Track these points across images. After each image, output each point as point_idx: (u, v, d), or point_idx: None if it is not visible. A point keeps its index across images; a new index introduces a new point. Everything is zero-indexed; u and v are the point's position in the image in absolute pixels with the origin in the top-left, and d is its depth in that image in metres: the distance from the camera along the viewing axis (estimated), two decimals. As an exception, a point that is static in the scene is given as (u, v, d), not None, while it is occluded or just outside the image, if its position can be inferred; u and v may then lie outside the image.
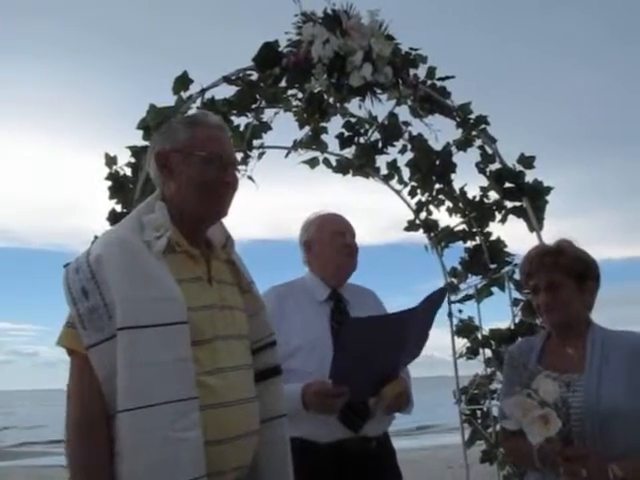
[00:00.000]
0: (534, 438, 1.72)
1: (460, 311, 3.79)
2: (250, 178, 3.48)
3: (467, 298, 3.73)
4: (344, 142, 3.65)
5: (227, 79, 2.88)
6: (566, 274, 2.00)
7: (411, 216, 3.93)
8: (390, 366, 2.17)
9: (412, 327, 2.10)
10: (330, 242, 2.46)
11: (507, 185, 3.20)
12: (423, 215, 3.88)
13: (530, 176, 3.17)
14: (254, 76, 2.95)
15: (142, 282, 1.44)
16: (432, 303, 2.22)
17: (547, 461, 1.81)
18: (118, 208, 2.63)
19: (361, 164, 3.73)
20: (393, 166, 3.77)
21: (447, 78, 3.18)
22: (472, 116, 3.20)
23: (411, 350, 2.24)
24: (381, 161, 3.78)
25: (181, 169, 1.61)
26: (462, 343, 3.74)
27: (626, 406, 1.82)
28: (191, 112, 2.72)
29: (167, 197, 1.63)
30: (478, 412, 3.59)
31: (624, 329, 2.05)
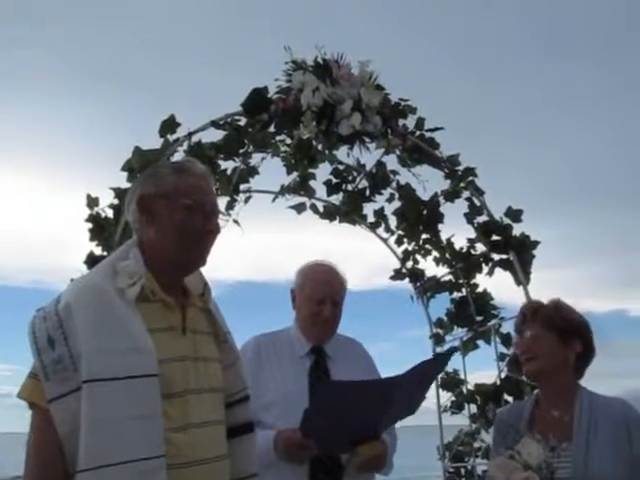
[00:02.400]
0: None
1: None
2: (236, 222, 3.44)
3: (453, 350, 3.65)
4: (332, 189, 3.64)
5: (215, 123, 2.87)
6: (546, 327, 2.00)
7: (397, 264, 3.90)
8: (369, 427, 2.10)
9: (400, 392, 2.03)
10: (307, 306, 2.39)
11: (494, 238, 3.18)
12: (409, 264, 3.85)
13: (518, 229, 3.16)
14: (242, 121, 2.94)
15: (111, 332, 1.38)
16: (430, 367, 2.18)
17: None
18: (98, 251, 2.57)
19: (348, 211, 3.71)
20: (380, 214, 3.75)
21: (436, 129, 3.19)
22: (460, 168, 3.21)
23: (403, 409, 2.17)
24: (368, 209, 3.77)
25: (164, 215, 1.57)
26: (447, 396, 3.66)
27: (613, 477, 1.78)
28: (177, 157, 2.70)
29: (145, 243, 1.58)
30: (462, 470, 3.48)
31: (613, 396, 2.01)
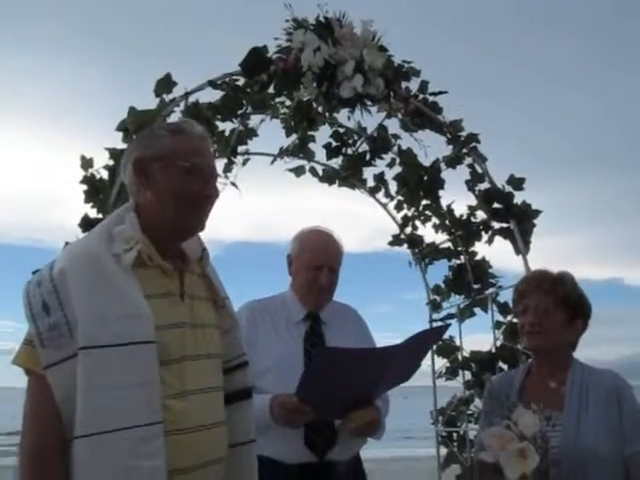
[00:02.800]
0: (511, 473, 1.69)
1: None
2: (234, 184, 3.40)
3: (449, 317, 3.66)
4: (331, 152, 3.58)
5: (212, 83, 2.79)
6: (560, 303, 1.97)
7: (396, 230, 3.86)
8: (363, 393, 2.11)
9: (395, 361, 2.04)
10: (304, 273, 2.38)
11: (495, 206, 3.14)
12: (408, 230, 3.81)
13: (519, 197, 3.12)
14: (240, 81, 2.86)
15: (107, 298, 1.36)
16: (426, 337, 2.17)
17: None
18: (92, 213, 2.52)
19: (347, 175, 3.66)
20: (380, 179, 3.70)
21: (440, 93, 3.12)
22: (463, 133, 3.14)
23: (397, 376, 2.18)
24: (368, 173, 3.71)
25: (160, 178, 1.53)
26: (442, 362, 3.67)
27: (603, 449, 1.80)
28: (174, 118, 2.64)
29: (142, 207, 1.55)
30: (454, 435, 3.52)
31: (604, 367, 2.03)
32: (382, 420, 2.27)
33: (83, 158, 2.56)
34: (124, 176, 1.62)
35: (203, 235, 1.68)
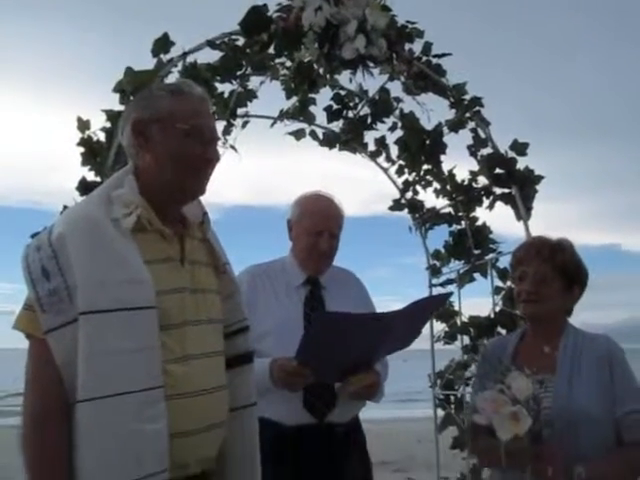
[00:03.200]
0: (504, 434, 1.71)
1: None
2: (233, 147, 3.35)
3: (448, 282, 3.67)
4: (332, 115, 3.51)
5: (211, 43, 2.72)
6: (558, 271, 1.97)
7: (397, 195, 3.83)
8: (362, 357, 2.12)
9: (395, 327, 2.04)
10: (304, 238, 2.37)
11: (497, 171, 3.10)
12: (409, 195, 3.78)
13: (521, 163, 3.08)
14: (240, 41, 2.79)
15: (107, 263, 1.35)
16: (427, 305, 2.18)
17: (514, 459, 1.79)
18: (90, 176, 2.49)
19: (348, 139, 3.61)
20: (381, 143, 3.65)
21: (444, 55, 3.05)
22: (466, 97, 3.08)
23: (397, 342, 2.19)
24: (369, 137, 3.66)
25: (159, 141, 1.50)
26: (441, 327, 3.69)
27: (595, 410, 1.82)
28: (172, 79, 2.58)
29: (141, 170, 1.53)
30: (452, 397, 3.56)
31: (598, 332, 2.04)
32: (381, 384, 2.29)
33: (80, 120, 2.51)
34: (122, 138, 1.59)
35: (204, 199, 1.67)
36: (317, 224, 2.35)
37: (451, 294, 2.47)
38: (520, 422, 1.70)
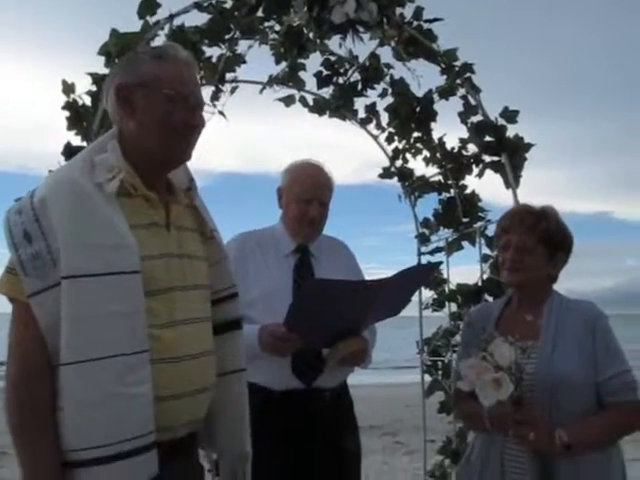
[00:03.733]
0: (486, 400, 1.76)
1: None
2: (221, 113, 3.32)
3: (437, 250, 3.66)
4: (322, 81, 3.45)
5: (198, 5, 2.66)
6: (542, 240, 1.98)
7: (387, 162, 3.81)
8: (351, 324, 2.15)
9: (384, 294, 2.06)
10: (294, 206, 2.38)
11: (487, 139, 3.09)
12: (399, 163, 3.76)
13: (512, 131, 3.06)
14: (228, 4, 2.73)
15: (90, 227, 1.35)
16: (415, 275, 2.19)
17: (497, 423, 1.85)
18: (76, 141, 2.46)
19: (338, 105, 3.56)
20: (372, 110, 3.60)
21: (435, 20, 2.99)
22: (457, 63, 3.04)
23: (386, 309, 2.21)
24: (360, 104, 3.61)
25: (144, 106, 1.48)
26: (429, 294, 3.72)
27: (577, 376, 1.85)
28: (158, 42, 2.53)
29: (125, 135, 1.51)
30: (439, 363, 3.61)
31: (582, 298, 2.06)
32: (369, 350, 2.33)
33: (64, 83, 2.47)
34: (106, 103, 1.57)
35: (192, 165, 1.66)
36: (307, 192, 2.35)
37: (440, 263, 2.49)
38: (502, 388, 1.74)
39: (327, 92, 3.55)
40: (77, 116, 2.44)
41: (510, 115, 3.01)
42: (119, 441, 1.30)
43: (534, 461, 1.82)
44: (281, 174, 2.47)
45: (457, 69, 3.03)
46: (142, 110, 1.48)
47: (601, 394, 1.87)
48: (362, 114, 3.65)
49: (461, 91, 3.13)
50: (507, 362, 1.76)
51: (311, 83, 3.51)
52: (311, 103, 3.63)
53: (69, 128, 2.47)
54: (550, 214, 2.03)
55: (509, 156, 3.01)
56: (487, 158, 3.18)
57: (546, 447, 1.78)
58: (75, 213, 1.35)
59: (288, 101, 3.56)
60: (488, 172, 3.23)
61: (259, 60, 3.33)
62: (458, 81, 3.06)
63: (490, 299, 3.24)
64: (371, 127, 3.70)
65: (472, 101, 3.10)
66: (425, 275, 2.32)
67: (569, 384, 1.84)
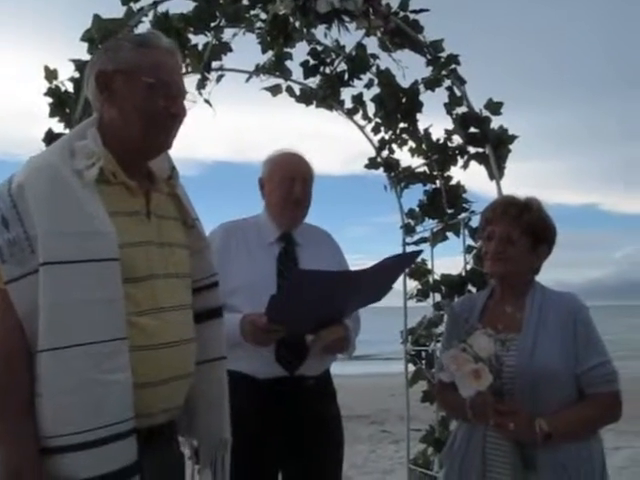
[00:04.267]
0: (465, 391, 1.79)
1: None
2: (207, 102, 3.30)
3: (422, 241, 3.69)
4: (309, 71, 3.44)
5: (183, -8, 2.65)
6: (525, 231, 1.99)
7: (373, 153, 3.82)
8: (333, 313, 2.16)
9: (366, 283, 2.07)
10: (278, 188, 2.39)
11: (472, 130, 3.10)
12: (385, 153, 3.77)
13: (497, 122, 3.08)
14: (214, -9, 2.72)
15: (68, 214, 1.34)
16: (396, 263, 2.21)
17: (478, 413, 1.88)
18: (58, 128, 2.44)
19: (325, 95, 3.56)
20: (358, 100, 3.59)
21: (421, 11, 3.00)
22: (443, 54, 3.06)
23: (368, 297, 2.22)
24: (346, 94, 3.60)
25: (124, 93, 1.47)
26: (414, 285, 3.74)
27: (558, 367, 1.88)
28: (141, 29, 2.52)
29: (106, 123, 1.51)
30: (423, 353, 3.64)
31: (565, 290, 2.08)
32: (352, 338, 2.34)
33: (47, 69, 2.45)
34: (87, 90, 1.57)
35: (181, 155, 1.65)
36: (289, 171, 2.39)
37: (421, 252, 2.50)
38: (481, 379, 1.76)
39: (314, 82, 3.55)
40: (60, 103, 2.43)
41: (494, 107, 3.03)
42: (97, 427, 1.30)
43: (515, 450, 1.85)
44: (261, 165, 2.49)
45: (443, 60, 3.04)
46: (122, 97, 1.48)
47: (582, 385, 1.89)
48: (349, 104, 3.65)
49: (447, 82, 3.14)
50: (486, 354, 1.78)
51: (298, 73, 3.51)
52: (298, 93, 3.63)
53: (51, 115, 2.46)
54: (534, 206, 2.04)
55: (493, 148, 3.03)
56: (472, 149, 3.21)
57: (526, 437, 1.81)
58: (53, 199, 1.35)
59: (275, 90, 3.55)
60: (473, 163, 3.25)
61: (245, 49, 3.32)
62: (444, 72, 3.07)
63: (474, 290, 3.27)
64: (358, 117, 3.70)
65: (457, 92, 3.12)
66: (407, 263, 2.33)
67: (550, 376, 1.86)
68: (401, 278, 3.80)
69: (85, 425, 1.30)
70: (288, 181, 2.36)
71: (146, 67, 1.47)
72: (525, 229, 1.99)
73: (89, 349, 1.31)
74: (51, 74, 2.45)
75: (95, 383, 1.31)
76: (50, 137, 2.32)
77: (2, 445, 1.34)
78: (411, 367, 3.71)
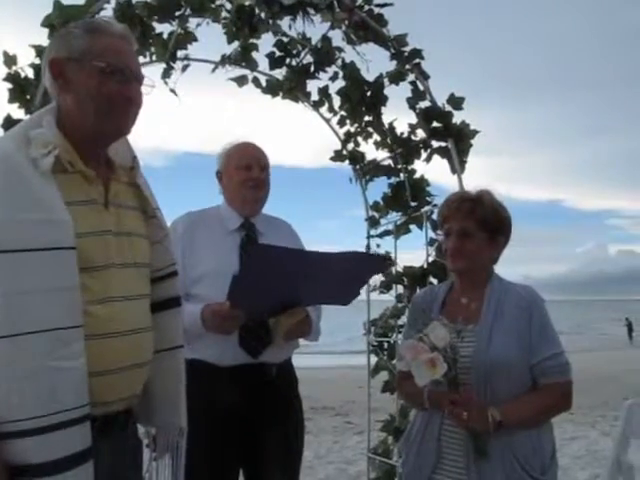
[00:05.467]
0: (420, 380, 1.82)
1: (378, 245, 3.80)
2: (173, 91, 3.29)
3: (386, 233, 3.73)
4: (275, 62, 3.45)
5: (147, -20, 2.63)
6: (479, 225, 2.03)
7: (339, 145, 3.85)
8: (293, 296, 2.18)
9: (328, 271, 2.09)
10: (235, 175, 2.41)
11: (435, 124, 3.15)
12: (351, 146, 3.80)
13: (459, 117, 3.14)
14: (178, -20, 2.71)
15: (23, 203, 1.33)
16: (365, 264, 2.23)
17: (433, 402, 1.94)
18: (18, 114, 2.41)
19: (291, 87, 3.57)
20: (324, 92, 3.61)
21: (385, 5, 3.03)
22: (407, 49, 3.09)
23: (332, 292, 2.24)
24: (312, 86, 3.62)
25: (78, 80, 1.47)
26: (377, 277, 3.78)
27: (512, 359, 1.92)
28: (102, 14, 2.49)
29: (62, 110, 1.50)
30: (385, 344, 3.69)
31: (521, 282, 2.13)
32: (314, 322, 2.36)
33: (6, 54, 2.41)
34: (44, 78, 1.56)
35: (149, 145, 1.64)
36: (244, 158, 2.43)
37: (390, 259, 2.49)
38: (437, 368, 1.79)
39: (280, 73, 3.56)
40: (19, 89, 2.39)
41: (456, 102, 3.08)
42: (51, 413, 1.31)
43: (469, 439, 1.89)
44: (217, 158, 2.50)
45: (406, 55, 3.07)
46: (75, 84, 1.48)
47: (535, 375, 1.94)
48: (315, 96, 3.67)
49: (410, 77, 3.18)
50: (442, 343, 1.82)
51: (264, 64, 3.51)
52: (264, 84, 3.63)
53: (10, 101, 2.42)
54: (485, 199, 2.08)
55: (455, 142, 3.07)
56: (435, 143, 3.25)
57: (479, 426, 1.84)
58: (7, 188, 1.34)
59: (241, 81, 3.55)
60: (437, 158, 3.30)
61: (212, 39, 3.31)
62: (407, 66, 3.10)
63: (435, 282, 3.33)
64: (324, 110, 3.72)
65: (420, 87, 3.16)
66: (375, 266, 2.35)
67: (504, 367, 1.90)
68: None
69: (39, 410, 1.30)
70: (245, 167, 2.40)
71: (97, 52, 1.47)
72: (480, 222, 2.03)
73: (43, 336, 1.31)
74: (10, 60, 2.41)
75: (49, 370, 1.31)
76: (9, 123, 2.29)
77: None
78: (374, 358, 3.76)
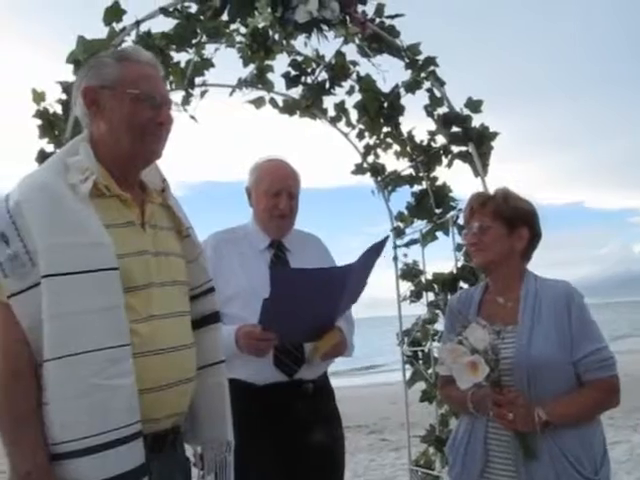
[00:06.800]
0: (462, 383, 1.82)
1: (405, 255, 3.80)
2: (193, 118, 3.35)
3: (412, 242, 3.73)
4: (290, 81, 3.50)
5: (164, 10, 2.70)
6: (494, 216, 2.04)
7: (359, 159, 3.87)
8: (325, 316, 2.18)
9: (350, 280, 2.10)
10: (263, 200, 2.41)
11: (454, 129, 3.16)
12: (371, 159, 3.82)
13: (477, 120, 3.14)
14: (193, 8, 2.77)
15: (66, 228, 1.38)
16: (371, 254, 2.23)
17: (478, 405, 1.92)
18: (49, 148, 2.48)
19: (308, 105, 3.61)
20: (341, 108, 3.65)
21: (396, 16, 3.07)
22: (421, 57, 3.12)
23: (349, 298, 2.25)
24: (329, 102, 3.66)
25: (111, 107, 1.52)
26: (406, 286, 3.77)
27: (554, 357, 1.90)
28: (124, 46, 2.56)
29: (96, 137, 1.55)
30: (419, 353, 3.66)
31: (558, 278, 2.10)
32: (349, 339, 2.36)
33: (34, 92, 2.49)
34: (76, 108, 1.61)
35: (169, 178, 1.70)
36: (274, 184, 2.40)
37: (388, 237, 2.45)
38: (478, 371, 1.77)
39: (296, 92, 3.60)
40: (49, 124, 2.46)
41: (474, 105, 3.09)
42: (104, 431, 1.33)
43: (516, 440, 1.87)
44: (248, 174, 2.52)
45: (421, 63, 3.10)
46: (109, 111, 1.53)
47: (579, 372, 1.91)
48: (332, 112, 3.70)
49: (426, 84, 3.20)
50: (482, 345, 1.80)
51: (280, 84, 3.57)
52: (281, 104, 3.68)
53: (41, 136, 2.49)
54: (498, 193, 2.10)
55: (476, 145, 3.08)
56: (455, 149, 3.26)
57: (525, 426, 1.82)
58: (50, 214, 1.39)
59: (258, 103, 3.60)
60: (458, 162, 3.30)
61: (228, 64, 3.37)
62: (423, 74, 3.12)
63: (465, 286, 3.31)
64: (341, 125, 3.75)
65: (437, 93, 3.18)
66: (378, 251, 2.35)
67: (547, 365, 1.88)
68: (394, 283, 3.85)
69: (92, 430, 1.33)
70: (273, 196, 2.39)
71: (129, 80, 1.52)
72: (494, 214, 2.04)
73: (93, 356, 1.34)
74: (39, 96, 2.49)
75: (100, 388, 1.34)
76: (43, 157, 2.36)
77: (13, 452, 1.36)
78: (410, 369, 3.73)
